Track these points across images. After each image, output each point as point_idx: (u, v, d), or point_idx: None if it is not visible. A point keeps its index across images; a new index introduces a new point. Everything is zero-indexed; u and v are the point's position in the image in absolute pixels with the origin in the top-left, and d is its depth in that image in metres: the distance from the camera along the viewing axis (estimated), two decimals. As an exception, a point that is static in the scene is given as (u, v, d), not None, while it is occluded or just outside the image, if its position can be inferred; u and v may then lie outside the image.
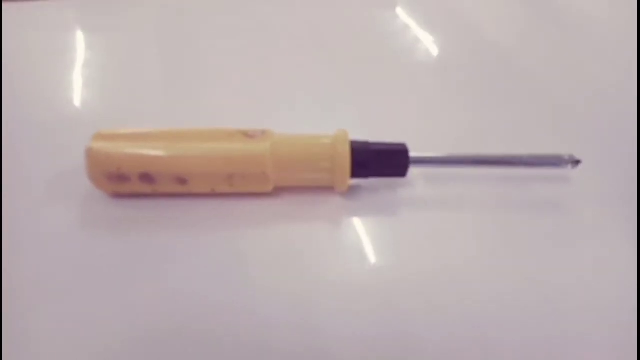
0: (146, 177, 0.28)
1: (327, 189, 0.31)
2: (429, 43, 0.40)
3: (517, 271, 0.27)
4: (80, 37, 0.44)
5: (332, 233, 0.29)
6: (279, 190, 0.31)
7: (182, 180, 0.29)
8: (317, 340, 0.24)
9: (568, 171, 0.30)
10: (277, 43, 0.42)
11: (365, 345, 0.24)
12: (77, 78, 0.40)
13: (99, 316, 0.25)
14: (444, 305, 0.26)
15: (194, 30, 0.45)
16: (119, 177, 0.28)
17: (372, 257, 0.28)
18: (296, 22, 0.45)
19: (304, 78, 0.40)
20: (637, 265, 0.27)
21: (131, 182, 0.29)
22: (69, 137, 0.31)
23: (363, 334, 0.25)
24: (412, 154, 0.30)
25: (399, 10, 0.44)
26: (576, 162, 0.30)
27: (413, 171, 0.31)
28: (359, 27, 0.44)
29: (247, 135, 0.29)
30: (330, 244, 0.29)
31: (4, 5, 0.45)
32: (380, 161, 0.29)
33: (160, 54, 0.42)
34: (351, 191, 0.31)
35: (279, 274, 0.27)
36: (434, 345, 0.24)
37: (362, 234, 0.29)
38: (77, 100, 0.38)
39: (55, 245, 0.28)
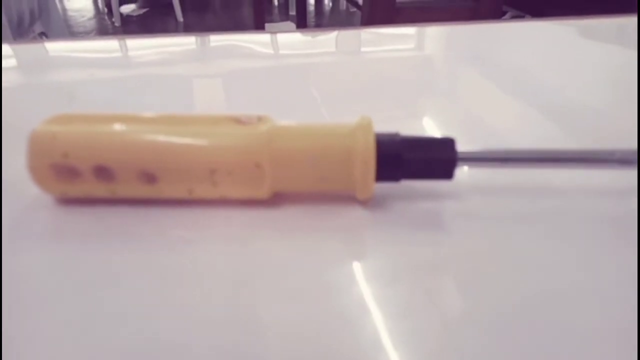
0: (102, 172, 0.21)
1: (344, 197, 0.23)
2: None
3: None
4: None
5: (350, 256, 0.21)
6: (279, 198, 0.23)
7: (149, 177, 0.21)
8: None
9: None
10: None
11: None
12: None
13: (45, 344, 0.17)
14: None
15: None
16: (68, 171, 0.21)
17: (405, 289, 0.19)
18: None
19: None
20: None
21: (83, 179, 0.22)
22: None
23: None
24: (462, 149, 0.22)
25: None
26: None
27: (462, 175, 0.23)
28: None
29: (238, 121, 0.22)
30: (348, 270, 0.20)
31: None
32: (416, 157, 0.22)
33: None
34: (376, 200, 0.23)
35: (279, 310, 0.18)
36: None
37: (392, 257, 0.20)
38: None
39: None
